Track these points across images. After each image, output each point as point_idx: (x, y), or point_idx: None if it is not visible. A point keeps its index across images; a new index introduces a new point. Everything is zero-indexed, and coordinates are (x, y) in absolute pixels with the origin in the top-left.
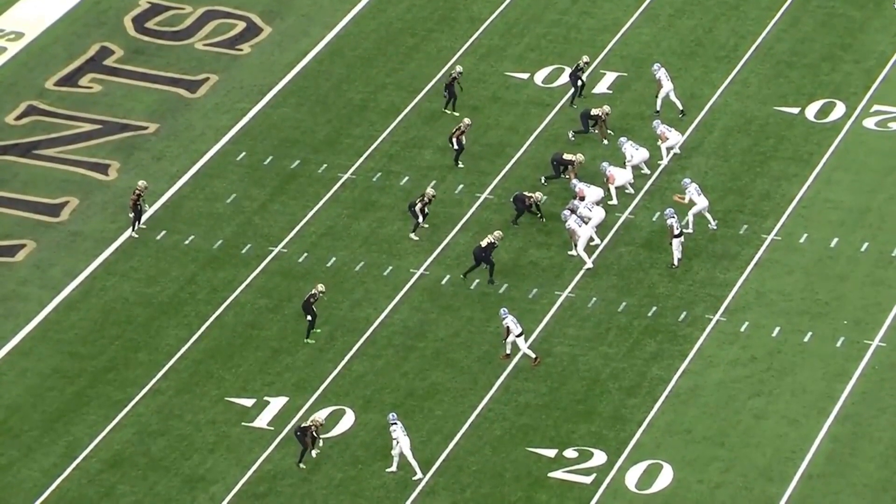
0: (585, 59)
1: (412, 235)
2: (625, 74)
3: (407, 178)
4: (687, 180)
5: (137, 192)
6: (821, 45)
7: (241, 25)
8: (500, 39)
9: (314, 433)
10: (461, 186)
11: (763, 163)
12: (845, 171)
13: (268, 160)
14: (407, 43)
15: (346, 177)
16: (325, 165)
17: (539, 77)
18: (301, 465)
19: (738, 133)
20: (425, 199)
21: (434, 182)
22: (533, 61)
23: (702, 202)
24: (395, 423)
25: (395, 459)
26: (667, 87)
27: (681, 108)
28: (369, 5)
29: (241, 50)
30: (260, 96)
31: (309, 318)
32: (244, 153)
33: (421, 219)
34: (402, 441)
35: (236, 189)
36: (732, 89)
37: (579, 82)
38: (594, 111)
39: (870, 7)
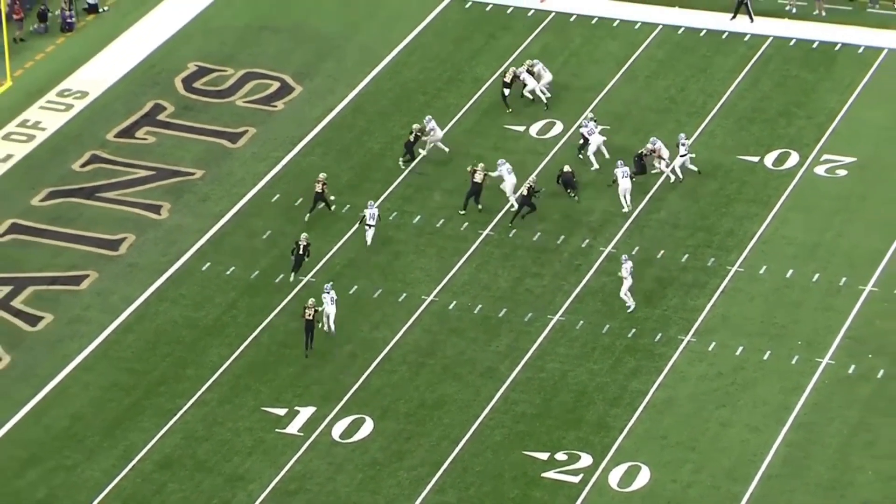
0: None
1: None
2: (608, 127)
3: (419, 216)
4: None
5: (321, 182)
6: (778, 103)
7: (276, 85)
8: (499, 97)
9: (311, 315)
10: (466, 224)
11: (728, 204)
12: (799, 212)
13: (298, 201)
14: (419, 100)
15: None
16: (348, 206)
17: (534, 129)
18: (306, 355)
19: (707, 178)
20: (414, 134)
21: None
22: (528, 116)
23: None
24: (328, 293)
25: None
26: (595, 140)
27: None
28: (387, 68)
29: (275, 106)
30: (291, 146)
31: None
32: (278, 195)
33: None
34: (328, 308)
35: (271, 226)
36: (701, 140)
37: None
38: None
39: (821, 70)
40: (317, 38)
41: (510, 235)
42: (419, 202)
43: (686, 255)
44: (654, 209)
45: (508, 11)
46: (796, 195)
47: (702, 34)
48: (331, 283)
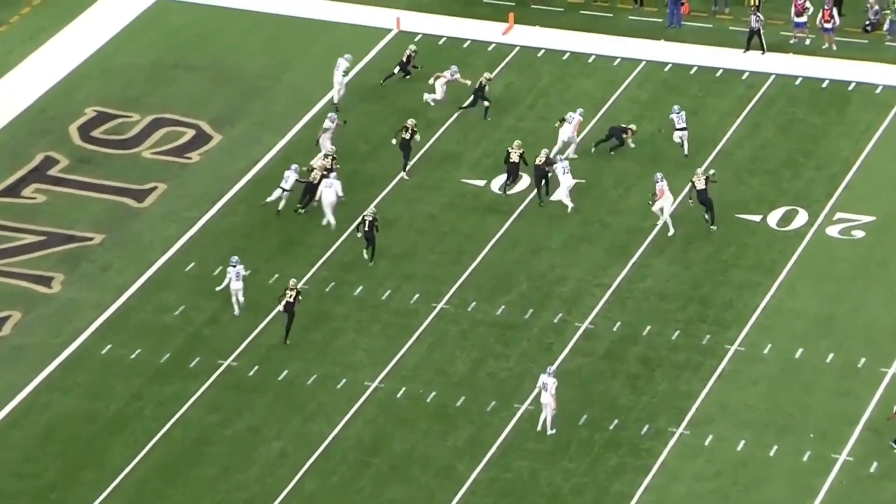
0: (488, 75)
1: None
2: (583, 181)
3: (361, 287)
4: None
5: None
6: (782, 152)
7: (191, 133)
8: (456, 145)
9: (293, 297)
10: (417, 296)
11: (725, 271)
12: (809, 280)
13: (217, 270)
14: (361, 149)
15: (298, 286)
16: (276, 275)
17: (496, 184)
18: (286, 341)
19: (699, 241)
20: (413, 128)
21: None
22: (490, 167)
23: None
24: (234, 267)
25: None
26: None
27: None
28: (321, 111)
29: (190, 158)
30: (209, 205)
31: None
32: (193, 263)
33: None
34: (233, 284)
35: (185, 300)
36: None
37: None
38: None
39: (831, 113)
40: (239, 78)
41: (469, 309)
42: (361, 269)
43: (677, 332)
44: (637, 277)
45: (465, 45)
46: (805, 260)
47: (692, 71)
48: (236, 257)
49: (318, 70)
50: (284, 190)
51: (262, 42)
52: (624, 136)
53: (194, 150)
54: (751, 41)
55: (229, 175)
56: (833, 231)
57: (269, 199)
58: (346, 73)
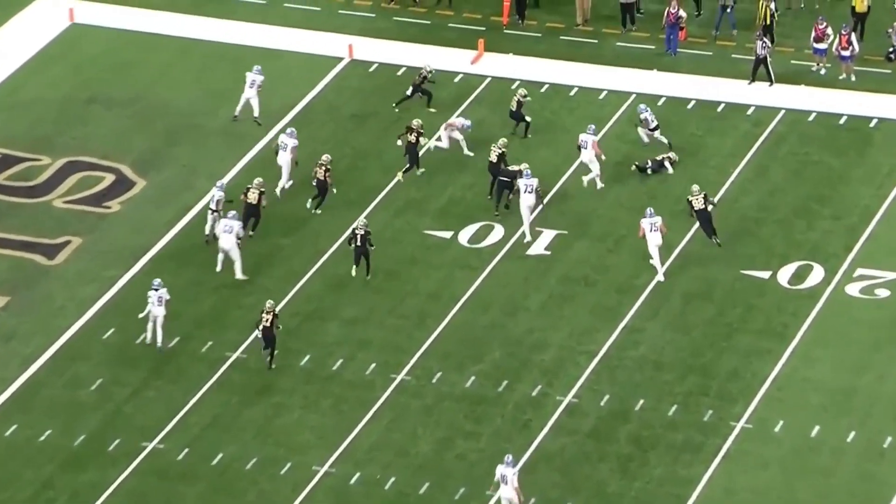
0: (429, 67)
1: (399, 176)
2: (565, 232)
3: (308, 356)
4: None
5: (324, 166)
6: (794, 198)
7: (110, 179)
8: (418, 191)
9: (269, 321)
10: (373, 365)
11: (729, 336)
12: (827, 346)
13: (140, 338)
14: (303, 196)
15: (235, 356)
16: (210, 343)
17: (464, 235)
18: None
19: (700, 301)
20: (419, 130)
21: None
22: (458, 217)
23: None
24: (155, 290)
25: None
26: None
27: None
28: (263, 153)
29: (109, 207)
30: (132, 261)
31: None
32: (112, 330)
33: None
34: (154, 310)
35: (103, 373)
36: (691, 249)
37: (419, 94)
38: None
39: (850, 154)
40: (166, 114)
41: (433, 381)
42: (307, 335)
43: (674, 407)
44: (629, 343)
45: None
46: (822, 324)
47: (690, 106)
48: (159, 280)
49: (259, 105)
50: (213, 210)
51: (191, 72)
52: (664, 166)
53: (114, 199)
54: (757, 71)
55: (155, 227)
56: (853, 290)
57: (207, 234)
58: (258, 86)
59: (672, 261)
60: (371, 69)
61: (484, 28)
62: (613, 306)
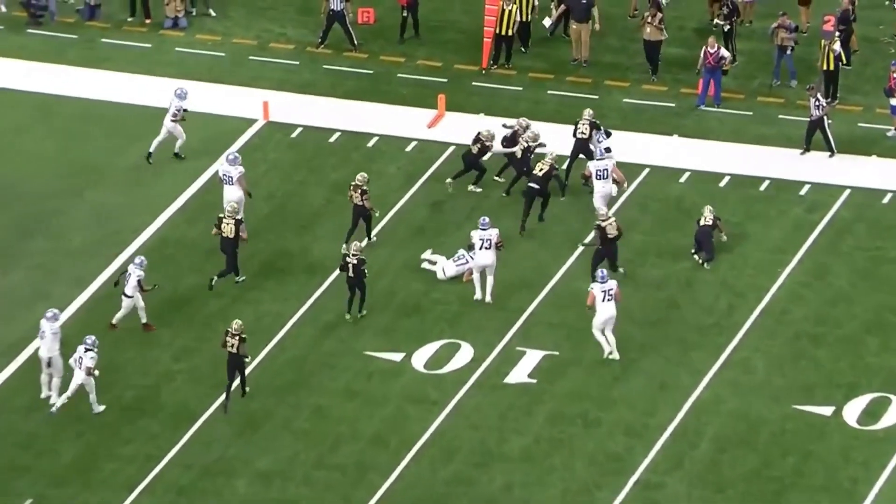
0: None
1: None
2: (555, 353)
3: None
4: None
5: (360, 187)
6: (864, 309)
7: None
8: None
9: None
10: None
11: (780, 494)
12: None
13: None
14: (210, 307)
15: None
16: None
17: (419, 359)
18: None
19: (738, 447)
20: (484, 139)
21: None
22: (409, 333)
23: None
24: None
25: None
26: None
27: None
28: (151, 243)
29: None
30: None
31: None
32: None
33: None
34: (47, 346)
35: None
36: (726, 377)
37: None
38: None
39: None
40: (17, 197)
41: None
42: (212, 495)
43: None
44: (642, 501)
45: (370, 144)
46: None
47: (723, 183)
48: (54, 311)
49: (143, 182)
50: (126, 296)
51: (53, 139)
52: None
53: None
54: (812, 136)
55: (0, 349)
56: None
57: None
58: (181, 113)
59: (702, 388)
60: (293, 134)
61: (445, 79)
62: (621, 454)
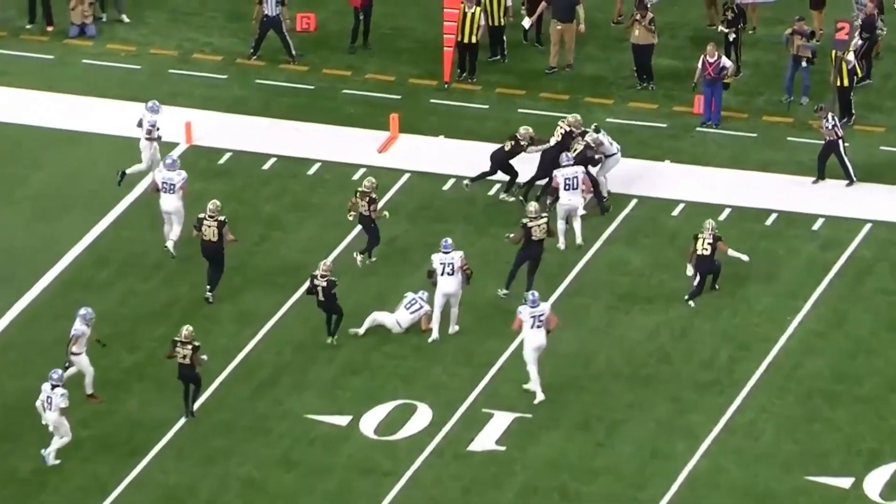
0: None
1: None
2: (528, 416)
3: None
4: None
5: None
6: (887, 363)
7: None
8: (293, 352)
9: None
10: None
11: None
12: None
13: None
14: (121, 364)
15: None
16: None
17: (368, 423)
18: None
19: None
20: (521, 141)
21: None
22: (359, 392)
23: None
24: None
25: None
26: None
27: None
28: (54, 286)
29: None
30: None
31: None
32: None
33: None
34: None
35: None
36: (729, 444)
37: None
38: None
39: None
40: None
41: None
42: None
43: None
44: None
45: (310, 171)
46: None
47: (723, 216)
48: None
49: (51, 217)
50: (73, 354)
51: None
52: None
53: None
54: (826, 161)
55: None
56: None
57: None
58: (156, 131)
59: (699, 456)
60: (221, 160)
61: (398, 96)
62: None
